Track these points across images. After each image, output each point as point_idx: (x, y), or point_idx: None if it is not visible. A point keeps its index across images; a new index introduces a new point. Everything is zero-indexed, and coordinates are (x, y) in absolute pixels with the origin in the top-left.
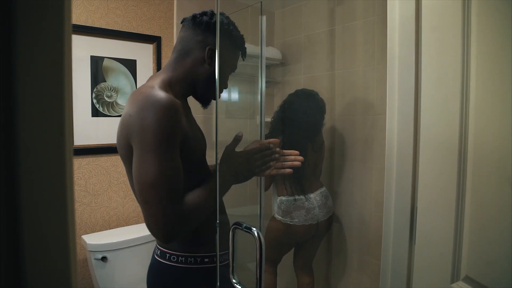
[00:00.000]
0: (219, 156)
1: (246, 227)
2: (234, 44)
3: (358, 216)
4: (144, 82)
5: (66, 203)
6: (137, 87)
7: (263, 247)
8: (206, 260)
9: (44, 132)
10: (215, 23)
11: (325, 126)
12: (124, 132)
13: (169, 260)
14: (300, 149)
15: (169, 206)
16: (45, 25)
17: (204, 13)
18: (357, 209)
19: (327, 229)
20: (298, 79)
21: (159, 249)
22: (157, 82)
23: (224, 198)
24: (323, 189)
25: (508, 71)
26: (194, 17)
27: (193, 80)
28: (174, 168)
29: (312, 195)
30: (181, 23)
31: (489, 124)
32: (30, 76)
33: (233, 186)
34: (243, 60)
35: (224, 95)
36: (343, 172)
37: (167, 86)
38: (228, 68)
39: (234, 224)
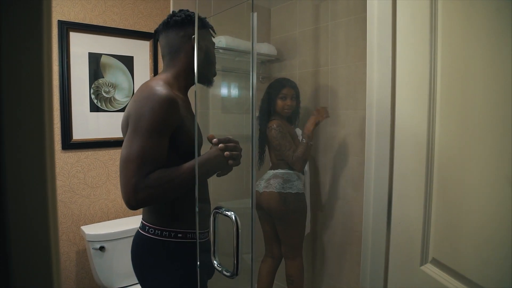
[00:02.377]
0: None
1: (225, 211)
2: (207, 26)
3: (348, 208)
4: (141, 78)
5: (47, 195)
6: (134, 83)
7: (240, 231)
8: (179, 235)
9: (27, 129)
10: (186, 17)
11: (282, 106)
12: (127, 117)
13: (147, 232)
14: (262, 128)
15: (137, 178)
16: (25, 25)
17: (171, 15)
18: (348, 201)
19: (269, 208)
20: (293, 75)
21: (142, 222)
22: (162, 78)
23: (220, 192)
24: (276, 171)
25: (471, 66)
26: (167, 22)
27: (193, 68)
28: (153, 150)
29: (267, 171)
30: (155, 37)
31: (453, 119)
32: (12, 73)
33: (229, 181)
34: (214, 36)
35: (223, 90)
36: (336, 166)
37: (173, 80)
38: (213, 50)
39: (214, 209)
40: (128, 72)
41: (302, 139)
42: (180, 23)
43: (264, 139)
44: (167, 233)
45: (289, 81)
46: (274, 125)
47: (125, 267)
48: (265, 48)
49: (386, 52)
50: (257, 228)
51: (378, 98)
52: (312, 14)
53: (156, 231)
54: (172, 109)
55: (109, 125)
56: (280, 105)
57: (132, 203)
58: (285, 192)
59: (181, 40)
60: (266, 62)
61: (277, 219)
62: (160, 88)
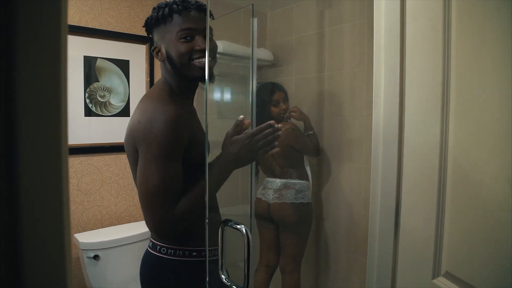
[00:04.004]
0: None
1: (235, 224)
2: (176, 13)
3: (347, 216)
4: (137, 82)
5: (62, 199)
6: (130, 87)
7: (251, 244)
8: (194, 253)
9: (42, 130)
10: (146, 26)
11: (278, 112)
12: (132, 137)
13: (159, 251)
14: None
15: (167, 211)
16: (43, 27)
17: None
18: (346, 209)
19: (282, 219)
20: (289, 80)
21: (151, 241)
22: (165, 90)
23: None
24: (286, 180)
25: (487, 72)
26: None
27: (180, 78)
28: (174, 177)
29: (270, 179)
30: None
31: (467, 126)
32: (28, 76)
33: (225, 186)
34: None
35: (216, 95)
36: (333, 172)
37: (173, 92)
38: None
39: (223, 222)
40: (124, 76)
41: (309, 132)
42: (147, 39)
43: None
44: (181, 252)
45: (276, 85)
46: (290, 127)
47: (120, 276)
48: (261, 53)
49: (394, 57)
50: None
51: (385, 104)
52: (309, 20)
53: (169, 250)
54: (181, 127)
55: (103, 130)
56: (276, 111)
57: (169, 233)
58: (297, 202)
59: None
60: (262, 67)
61: (286, 230)
62: (165, 104)
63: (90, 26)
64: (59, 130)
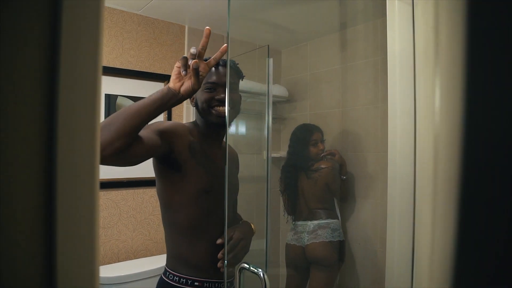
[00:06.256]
0: None
1: (252, 268)
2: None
3: (363, 252)
4: (154, 119)
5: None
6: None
7: None
8: (196, 283)
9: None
10: None
11: (316, 152)
12: None
13: (167, 277)
14: (294, 177)
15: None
16: (82, 64)
17: None
18: (362, 245)
19: (321, 258)
20: (304, 116)
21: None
22: (190, 123)
23: None
24: (318, 221)
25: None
26: None
27: (205, 122)
28: (146, 137)
29: (300, 223)
30: None
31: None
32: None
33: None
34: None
35: (232, 129)
36: (349, 208)
37: (196, 130)
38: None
39: (241, 265)
40: None
41: (342, 176)
42: None
43: (295, 189)
44: (185, 280)
45: (314, 126)
46: (331, 166)
47: None
48: (276, 90)
49: (409, 97)
50: None
51: (401, 143)
52: (323, 56)
53: (175, 277)
54: (176, 131)
55: None
56: (314, 151)
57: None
58: (335, 240)
59: None
60: (276, 102)
61: (321, 269)
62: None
63: (112, 65)
64: (94, 163)
